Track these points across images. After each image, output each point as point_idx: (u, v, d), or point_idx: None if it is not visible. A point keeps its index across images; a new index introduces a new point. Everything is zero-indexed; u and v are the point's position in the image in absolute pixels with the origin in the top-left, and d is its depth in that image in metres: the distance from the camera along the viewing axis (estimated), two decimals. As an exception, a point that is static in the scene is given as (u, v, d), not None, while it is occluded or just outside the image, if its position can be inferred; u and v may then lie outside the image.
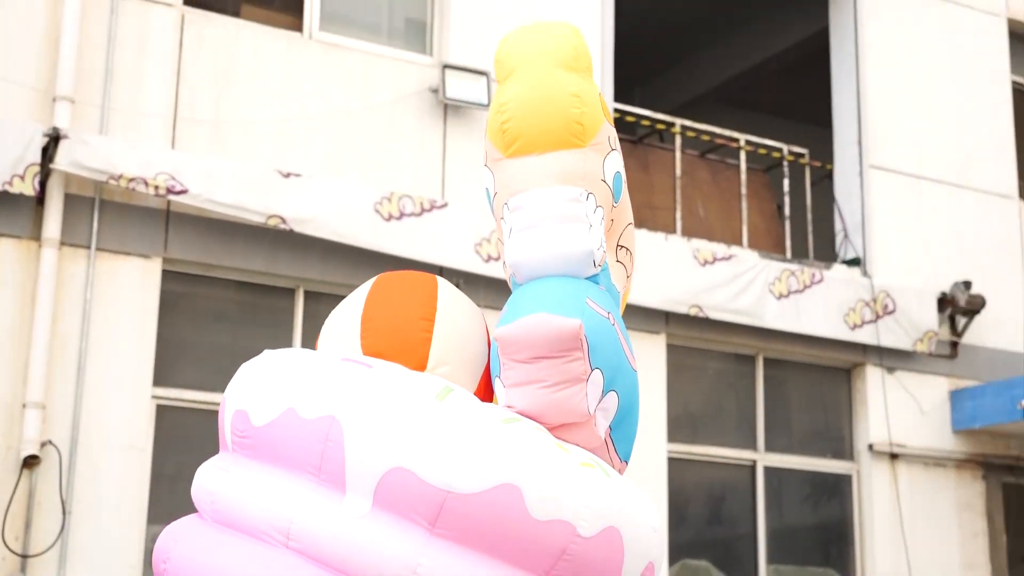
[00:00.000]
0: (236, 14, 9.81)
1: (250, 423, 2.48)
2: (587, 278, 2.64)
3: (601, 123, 2.68)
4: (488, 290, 9.73)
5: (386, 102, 9.81)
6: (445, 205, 9.62)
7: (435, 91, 9.94)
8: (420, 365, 2.64)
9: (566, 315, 2.51)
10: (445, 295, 2.76)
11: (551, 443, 2.46)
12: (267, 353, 2.65)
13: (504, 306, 2.66)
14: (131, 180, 8.56)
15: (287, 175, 9.06)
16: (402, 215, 9.40)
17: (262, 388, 2.51)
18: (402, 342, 2.64)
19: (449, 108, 10.01)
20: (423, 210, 9.50)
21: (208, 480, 2.58)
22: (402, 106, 9.87)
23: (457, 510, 2.33)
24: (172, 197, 8.70)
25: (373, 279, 2.78)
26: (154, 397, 8.77)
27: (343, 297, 9.15)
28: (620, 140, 11.28)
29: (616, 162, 2.72)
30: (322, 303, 9.54)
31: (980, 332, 12.10)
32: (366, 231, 9.27)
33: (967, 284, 11.90)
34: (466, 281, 9.69)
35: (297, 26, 9.85)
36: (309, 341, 9.37)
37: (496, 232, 2.78)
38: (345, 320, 2.71)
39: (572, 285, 2.59)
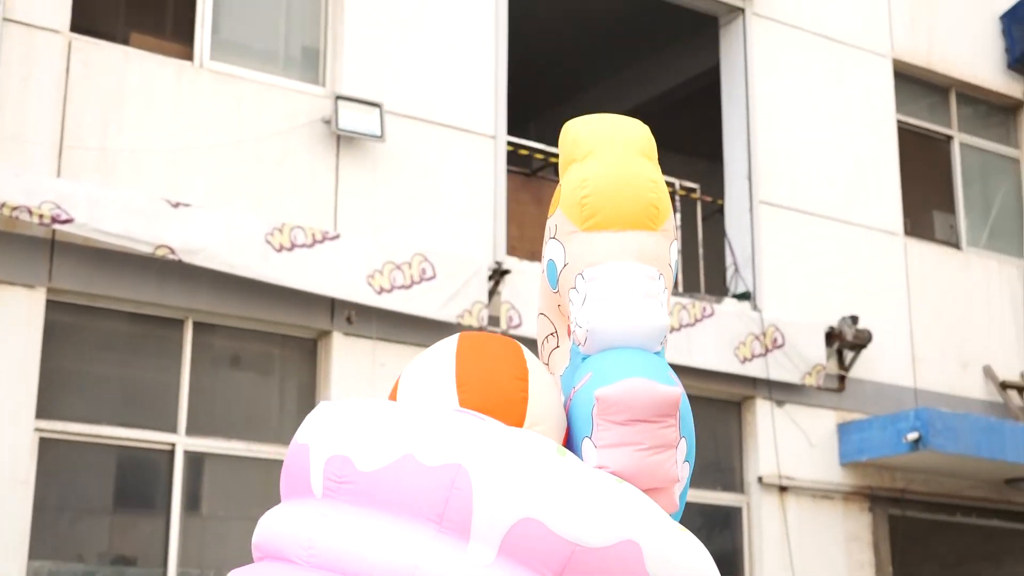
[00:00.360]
0: (125, 41, 9.67)
1: (354, 468, 2.46)
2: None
3: (671, 211, 2.82)
4: (381, 322, 9.68)
5: (278, 132, 9.71)
6: (337, 236, 9.54)
7: (328, 122, 9.86)
8: (518, 423, 2.65)
9: (662, 383, 2.61)
10: (530, 357, 2.79)
11: (657, 505, 2.56)
12: (331, 404, 2.63)
13: (580, 370, 2.72)
14: (15, 208, 8.38)
15: (176, 205, 8.93)
16: (293, 246, 9.30)
17: (369, 434, 2.49)
18: (500, 400, 2.65)
19: (342, 139, 9.93)
20: (315, 241, 9.41)
21: (298, 526, 2.50)
22: (294, 136, 9.78)
23: (583, 563, 2.39)
24: (57, 226, 8.52)
25: (454, 337, 2.77)
26: (37, 430, 8.56)
27: (233, 328, 9.07)
28: (513, 173, 11.37)
29: (676, 250, 2.85)
30: (213, 334, 9.41)
31: (867, 366, 12.22)
32: (257, 262, 9.15)
33: (854, 319, 12.02)
34: (358, 313, 9.65)
35: (187, 55, 9.72)
36: (199, 373, 9.23)
37: (552, 299, 2.74)
38: (433, 375, 2.70)
39: (654, 357, 2.68)
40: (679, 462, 2.66)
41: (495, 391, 2.65)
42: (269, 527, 2.58)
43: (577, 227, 2.71)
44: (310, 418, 2.62)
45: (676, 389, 2.60)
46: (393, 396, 2.74)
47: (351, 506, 2.44)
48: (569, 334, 2.77)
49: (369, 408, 2.56)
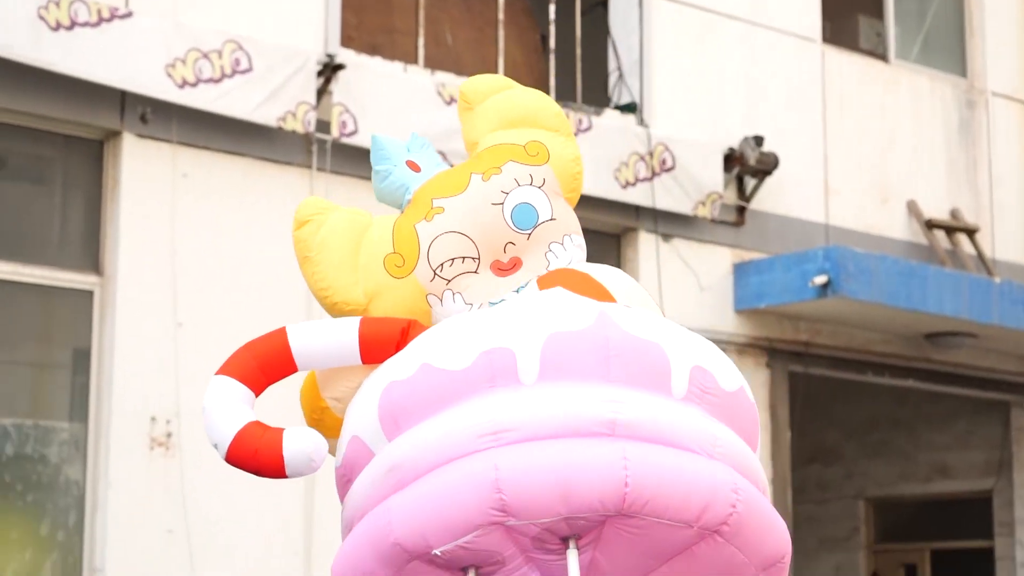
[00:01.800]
0: None
1: (718, 384, 3.32)
2: None
3: None
4: (183, 122, 9.60)
5: None
6: (129, 14, 9.32)
7: None
8: None
9: None
10: None
11: None
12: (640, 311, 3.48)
13: None
14: None
15: (-77, -35, 8.62)
16: (74, 24, 9.09)
17: (720, 357, 3.39)
18: None
19: None
20: (101, 19, 9.20)
21: (691, 421, 3.25)
22: None
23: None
24: None
25: (616, 270, 3.72)
26: None
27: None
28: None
29: None
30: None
31: (771, 196, 12.27)
32: (28, 43, 8.95)
33: (758, 140, 11.99)
34: (154, 110, 9.55)
35: None
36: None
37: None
38: (649, 301, 3.68)
39: None
40: None
41: None
42: (643, 411, 3.18)
43: (562, 193, 3.72)
44: (673, 328, 3.39)
45: None
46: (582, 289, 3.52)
47: (709, 416, 3.27)
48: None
49: (690, 334, 3.43)
